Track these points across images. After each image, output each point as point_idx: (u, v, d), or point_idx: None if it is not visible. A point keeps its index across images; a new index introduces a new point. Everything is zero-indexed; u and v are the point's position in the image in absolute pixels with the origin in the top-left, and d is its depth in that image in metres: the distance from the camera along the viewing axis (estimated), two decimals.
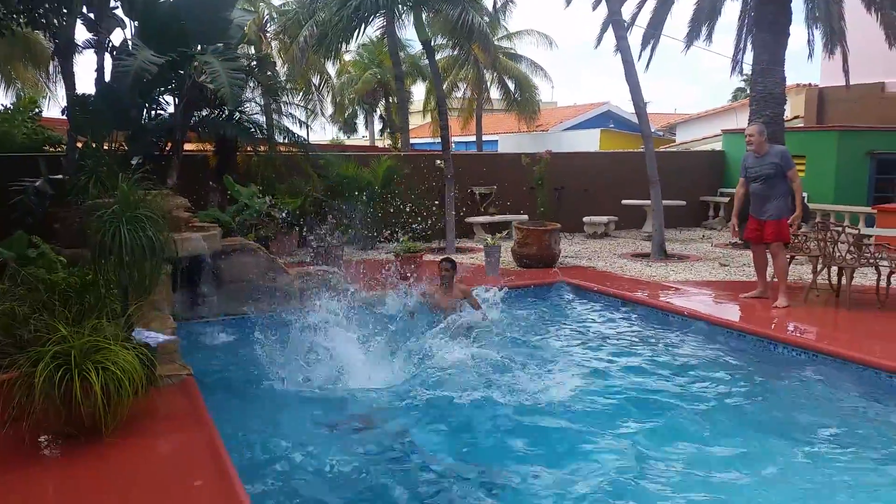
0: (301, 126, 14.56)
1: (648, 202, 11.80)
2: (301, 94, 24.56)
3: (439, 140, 12.35)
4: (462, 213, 13.29)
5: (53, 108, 19.74)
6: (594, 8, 13.71)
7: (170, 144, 10.13)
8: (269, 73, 12.11)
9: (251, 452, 4.21)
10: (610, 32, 12.26)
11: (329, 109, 29.84)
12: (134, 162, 9.06)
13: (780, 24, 11.85)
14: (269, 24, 21.95)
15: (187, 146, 11.55)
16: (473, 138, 27.84)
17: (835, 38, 13.40)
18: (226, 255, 7.09)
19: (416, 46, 23.97)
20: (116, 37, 9.69)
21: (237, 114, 10.77)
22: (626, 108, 27.23)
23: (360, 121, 34.08)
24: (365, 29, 12.08)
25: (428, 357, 5.68)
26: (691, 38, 14.35)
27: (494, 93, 27.28)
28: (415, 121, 31.45)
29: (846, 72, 13.98)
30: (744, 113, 14.26)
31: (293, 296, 7.51)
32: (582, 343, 6.68)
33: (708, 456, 4.23)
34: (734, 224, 8.16)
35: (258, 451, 4.26)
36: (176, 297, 6.57)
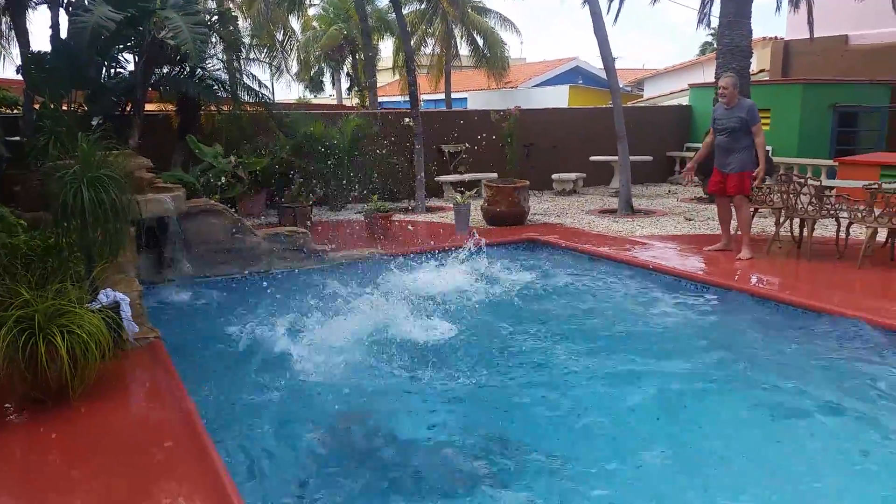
0: (265, 84, 14.27)
1: (616, 158, 11.86)
2: (266, 50, 24.04)
3: (408, 98, 12.21)
4: (433, 171, 13.25)
5: (8, 67, 19.12)
6: None
7: (130, 104, 9.89)
8: (230, 27, 11.79)
9: (222, 413, 4.22)
10: None
11: (294, 67, 29.30)
12: (94, 122, 8.84)
13: None
14: None
15: (149, 106, 11.28)
16: (442, 96, 27.59)
17: None
18: (191, 216, 7.01)
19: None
20: None
21: (199, 71, 10.52)
22: (595, 63, 27.09)
23: (327, 79, 33.47)
24: None
25: None
26: None
27: (463, 49, 26.99)
28: (383, 78, 31.02)
29: (811, 24, 14.07)
30: (711, 67, 14.27)
31: (262, 257, 7.47)
32: (549, 299, 6.76)
33: (668, 400, 4.37)
34: (690, 167, 8.26)
35: (229, 411, 4.27)
36: (141, 259, 6.49)
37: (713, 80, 12.49)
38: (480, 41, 26.13)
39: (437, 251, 8.37)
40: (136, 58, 9.72)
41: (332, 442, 3.98)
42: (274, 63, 24.30)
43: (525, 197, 10.33)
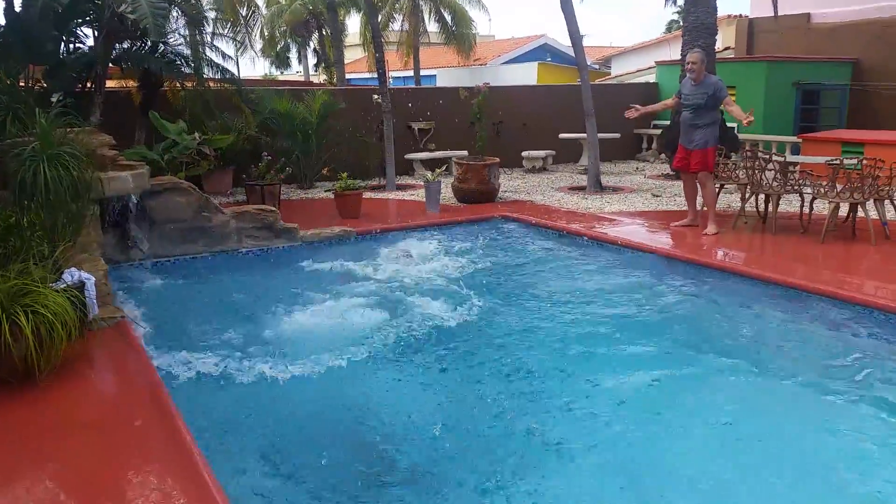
0: (231, 57, 13.98)
1: (585, 135, 11.91)
2: (229, 25, 23.53)
3: (377, 75, 12.07)
4: (406, 147, 13.17)
5: None
6: None
7: (91, 80, 9.63)
8: (192, 1, 11.52)
9: (193, 392, 4.18)
10: None
11: (259, 43, 28.73)
12: (54, 99, 8.60)
13: None
14: None
15: (111, 83, 11.00)
16: (411, 73, 27.36)
17: None
18: (156, 194, 6.87)
19: None
20: None
21: (162, 46, 10.28)
22: (564, 41, 27.10)
23: (294, 55, 32.93)
24: None
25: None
26: None
27: (431, 25, 26.74)
28: (352, 54, 30.67)
29: (774, 2, 14.19)
30: (677, 44, 14.35)
31: (230, 236, 7.38)
32: (519, 275, 6.81)
33: (634, 368, 4.46)
34: (639, 108, 8.14)
35: (200, 390, 4.23)
36: (106, 239, 6.37)
37: (679, 57, 12.57)
38: (448, 17, 25.90)
39: (407, 229, 8.40)
40: (96, 32, 9.47)
41: (304, 415, 3.98)
42: (238, 38, 23.79)
43: (495, 174, 10.33)
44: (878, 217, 7.44)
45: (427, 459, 3.50)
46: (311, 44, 30.31)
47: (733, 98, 13.58)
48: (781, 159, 8.25)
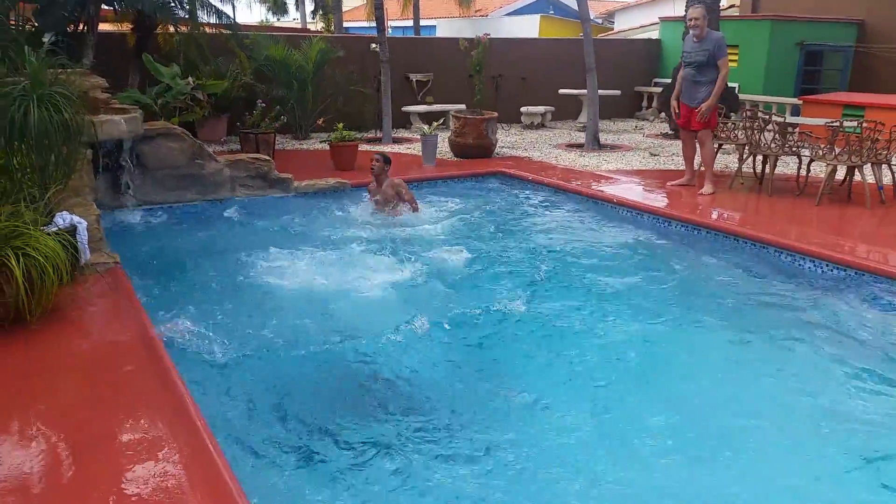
0: (225, 1, 13.67)
1: (585, 92, 11.77)
2: None
3: (375, 23, 11.83)
4: (403, 99, 13.02)
5: None
6: None
7: (84, 22, 9.42)
8: None
9: (186, 338, 4.20)
10: None
11: None
12: (46, 39, 8.42)
13: None
14: None
15: (105, 25, 10.77)
16: (411, 23, 26.85)
17: None
18: (148, 139, 6.79)
19: None
20: None
21: None
22: None
23: (291, 1, 32.28)
24: None
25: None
26: None
27: None
28: (350, 2, 30.03)
29: None
30: (681, 1, 14.11)
31: (223, 184, 7.33)
32: (515, 231, 6.80)
33: (632, 329, 4.50)
34: (674, 106, 7.96)
35: (193, 336, 4.25)
36: (99, 183, 6.32)
37: (683, 13, 12.35)
38: None
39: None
40: None
41: (294, 361, 4.02)
42: None
43: (493, 129, 10.23)
44: (874, 181, 7.42)
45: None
46: None
47: (735, 57, 13.44)
48: (781, 120, 8.17)
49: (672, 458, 3.16)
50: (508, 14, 28.62)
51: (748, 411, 3.58)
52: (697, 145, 7.91)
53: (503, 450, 3.18)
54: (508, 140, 12.04)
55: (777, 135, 7.81)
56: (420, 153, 9.55)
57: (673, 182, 8.21)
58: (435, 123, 9.76)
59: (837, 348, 4.25)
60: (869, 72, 14.17)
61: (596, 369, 3.99)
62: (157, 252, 5.86)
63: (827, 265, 5.47)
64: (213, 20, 10.92)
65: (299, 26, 31.06)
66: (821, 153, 7.47)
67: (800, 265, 5.61)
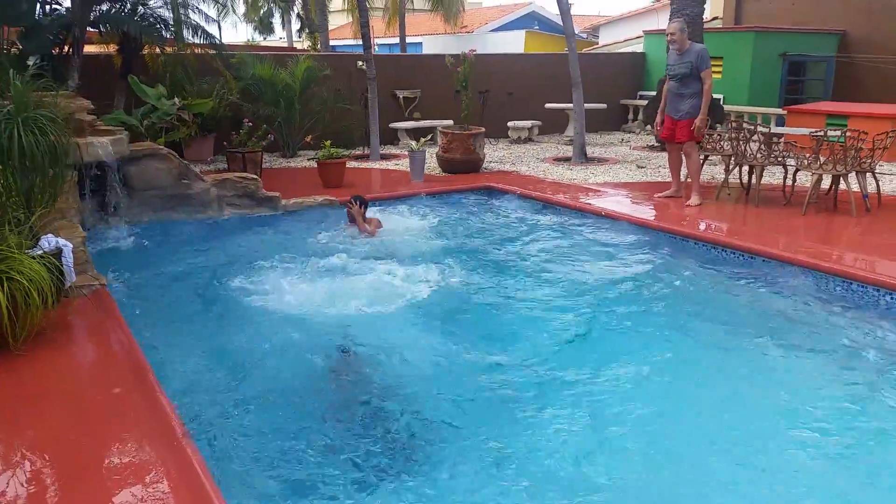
0: (212, 21, 13.67)
1: (571, 105, 11.84)
2: None
3: (361, 41, 11.87)
4: (391, 116, 13.05)
5: None
6: None
7: (69, 44, 9.42)
8: None
9: (172, 361, 4.16)
10: None
11: (242, 7, 28.22)
12: (30, 62, 8.42)
13: None
14: None
15: (90, 47, 10.77)
16: (397, 40, 26.98)
17: None
18: (135, 160, 6.77)
19: None
20: None
21: (141, 8, 10.05)
22: (551, 9, 26.80)
23: (277, 21, 32.39)
24: None
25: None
26: None
27: None
28: (336, 20, 30.14)
29: None
30: (665, 13, 14.25)
31: (210, 203, 7.30)
32: (501, 244, 6.81)
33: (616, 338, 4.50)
34: (658, 122, 8.04)
35: (180, 359, 4.21)
36: (84, 205, 6.28)
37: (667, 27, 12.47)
38: None
39: (392, 199, 8.35)
40: None
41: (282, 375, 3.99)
42: (220, 1, 23.30)
43: (481, 144, 10.26)
44: (859, 189, 7.47)
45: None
46: (295, 8, 29.81)
47: (719, 69, 13.57)
48: (766, 131, 8.24)
49: None
50: (494, 30, 28.82)
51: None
52: (683, 157, 7.96)
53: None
54: (496, 155, 12.08)
55: (762, 145, 7.87)
56: (408, 169, 9.56)
57: (660, 194, 8.24)
58: (423, 139, 9.79)
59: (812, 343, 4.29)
60: (851, 81, 14.34)
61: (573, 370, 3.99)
62: (144, 274, 5.80)
63: (810, 273, 5.50)
64: (198, 40, 10.95)
65: (286, 45, 31.15)
66: (806, 163, 7.53)
67: (789, 274, 5.63)
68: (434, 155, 10.48)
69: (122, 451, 2.95)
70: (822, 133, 7.72)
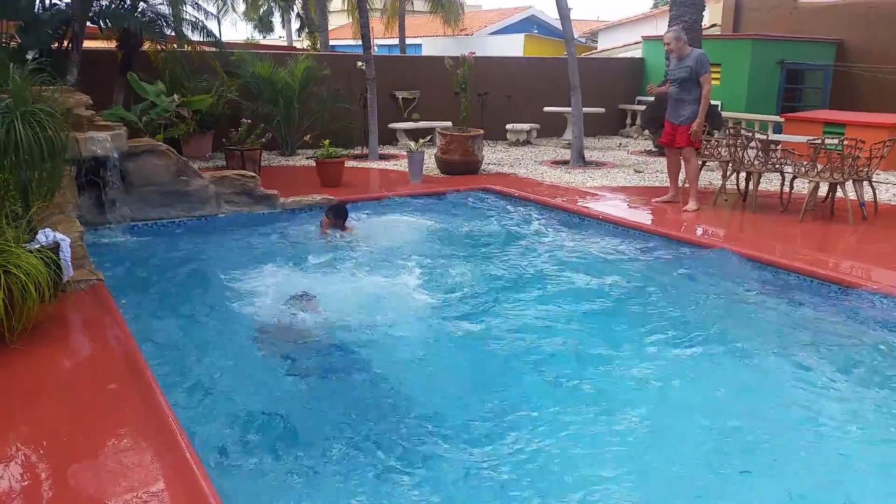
0: (212, 17, 13.67)
1: (569, 109, 11.86)
2: None
3: (361, 41, 11.88)
4: (390, 117, 13.04)
5: None
6: None
7: (68, 39, 9.40)
8: None
9: (170, 357, 4.15)
10: None
11: (242, 6, 28.21)
12: (29, 56, 8.39)
13: None
14: None
15: (90, 42, 10.75)
16: (397, 41, 27.00)
17: None
18: (133, 156, 6.75)
19: None
20: None
21: (141, 4, 10.04)
22: (551, 13, 26.91)
23: (277, 20, 32.40)
24: None
25: None
26: None
27: None
28: (336, 21, 30.17)
29: None
30: (664, 19, 14.30)
31: (209, 200, 7.29)
32: (499, 246, 6.81)
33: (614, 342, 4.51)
34: (659, 87, 8.16)
35: (177, 356, 4.20)
36: (82, 201, 6.26)
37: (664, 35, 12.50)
38: None
39: (389, 198, 8.35)
40: None
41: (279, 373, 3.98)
42: None
43: (479, 146, 10.27)
44: (856, 198, 7.51)
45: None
46: (295, 8, 29.82)
47: (718, 76, 13.61)
48: (764, 138, 8.27)
49: None
50: (493, 33, 28.88)
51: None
52: (682, 162, 7.98)
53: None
54: (494, 157, 12.09)
55: (760, 152, 7.90)
56: (407, 169, 9.57)
57: (658, 199, 8.26)
58: (421, 140, 9.79)
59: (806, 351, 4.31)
60: (848, 90, 14.41)
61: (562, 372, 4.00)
62: (142, 269, 5.80)
63: (803, 277, 5.53)
64: (198, 38, 10.94)
65: (285, 44, 31.15)
66: (803, 170, 7.56)
67: (783, 278, 5.66)
68: (433, 156, 10.49)
69: (118, 447, 2.94)
70: (819, 141, 7.75)
